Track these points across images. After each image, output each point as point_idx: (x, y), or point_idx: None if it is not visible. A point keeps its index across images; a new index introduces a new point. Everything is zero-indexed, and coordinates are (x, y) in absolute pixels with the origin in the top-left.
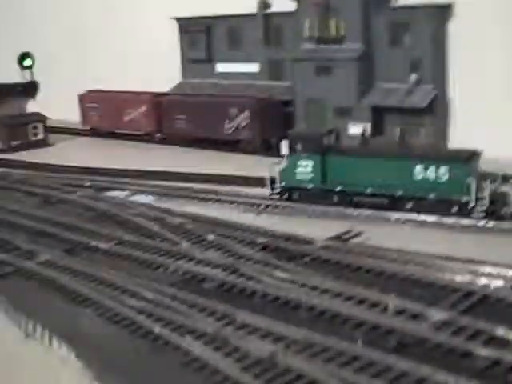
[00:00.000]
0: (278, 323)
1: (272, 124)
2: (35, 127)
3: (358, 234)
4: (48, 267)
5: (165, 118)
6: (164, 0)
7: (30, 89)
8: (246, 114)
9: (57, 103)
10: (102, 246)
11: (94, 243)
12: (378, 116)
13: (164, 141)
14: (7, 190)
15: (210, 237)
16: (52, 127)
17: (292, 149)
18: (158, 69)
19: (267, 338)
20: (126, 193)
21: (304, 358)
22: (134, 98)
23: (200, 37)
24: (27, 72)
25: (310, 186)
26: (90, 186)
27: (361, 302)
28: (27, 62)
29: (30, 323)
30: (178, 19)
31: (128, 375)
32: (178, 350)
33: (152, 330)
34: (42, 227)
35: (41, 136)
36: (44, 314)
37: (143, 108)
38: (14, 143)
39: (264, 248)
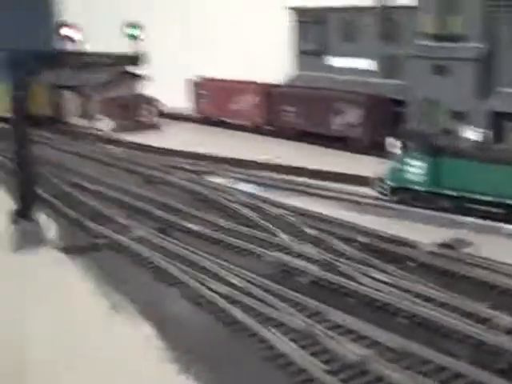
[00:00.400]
0: (372, 327)
1: (382, 122)
2: (146, 110)
3: (468, 244)
4: (140, 243)
5: (274, 110)
6: None
7: (137, 60)
8: (357, 110)
9: (165, 87)
10: (197, 228)
11: (188, 225)
12: (497, 122)
13: (272, 132)
14: (113, 167)
15: (310, 231)
16: (162, 111)
17: (404, 147)
18: (270, 59)
19: (360, 342)
20: (227, 180)
21: (399, 368)
22: (245, 87)
23: (314, 28)
24: (135, 43)
25: (420, 187)
26: (192, 170)
27: (468, 315)
28: (135, 32)
29: (117, 296)
30: (293, 9)
31: (208, 361)
32: (262, 342)
33: (238, 319)
34: (140, 205)
35: (151, 119)
36: (131, 289)
37: (253, 98)
38: (125, 123)
39: (365, 248)
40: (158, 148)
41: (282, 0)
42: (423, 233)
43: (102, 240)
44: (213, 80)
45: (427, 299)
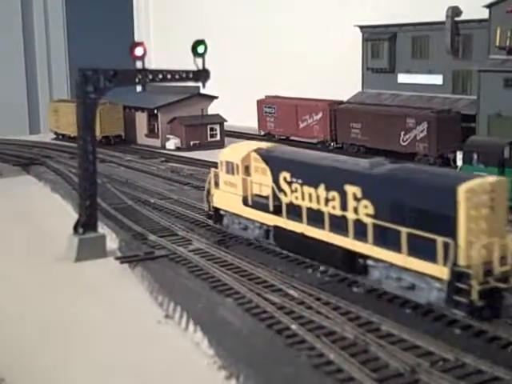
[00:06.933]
0: (426, 338)
1: (450, 138)
2: (213, 129)
3: None
4: (198, 255)
5: (340, 127)
6: (348, 8)
7: (201, 76)
8: (424, 126)
9: (232, 106)
10: (254, 241)
11: (246, 237)
12: None
13: (338, 150)
14: (178, 183)
15: None
16: (228, 131)
17: (467, 159)
18: (338, 77)
19: (411, 352)
20: None
21: (452, 379)
22: (310, 105)
23: (383, 46)
24: (200, 60)
25: None
26: None
27: None
28: (200, 49)
29: (170, 305)
30: (362, 27)
31: (257, 369)
32: (312, 350)
33: (289, 327)
34: (202, 218)
35: (218, 137)
36: (185, 298)
37: (319, 115)
38: (193, 142)
39: None
40: None
41: (352, 18)
42: None
43: (159, 251)
44: (279, 98)
45: None
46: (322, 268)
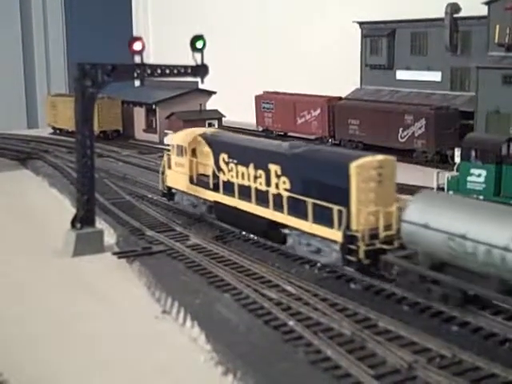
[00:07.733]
0: (423, 334)
1: (448, 135)
2: (211, 124)
3: None
4: (195, 250)
5: (338, 123)
6: (347, 4)
7: (199, 71)
8: (422, 122)
9: (230, 102)
10: (253, 236)
11: (244, 233)
12: None
13: (336, 146)
14: None
15: None
16: (226, 126)
17: (465, 155)
18: (337, 73)
19: (408, 348)
20: None
21: (449, 375)
22: (309, 101)
23: (382, 42)
24: (198, 55)
25: (480, 197)
26: None
27: None
28: (199, 45)
29: (168, 300)
30: (361, 23)
31: (254, 365)
32: (309, 346)
33: (286, 323)
34: (198, 214)
35: None
36: (183, 294)
37: (317, 112)
38: None
39: None
40: None
41: (351, 14)
42: None
43: (157, 247)
44: (277, 94)
45: None
46: (319, 264)
